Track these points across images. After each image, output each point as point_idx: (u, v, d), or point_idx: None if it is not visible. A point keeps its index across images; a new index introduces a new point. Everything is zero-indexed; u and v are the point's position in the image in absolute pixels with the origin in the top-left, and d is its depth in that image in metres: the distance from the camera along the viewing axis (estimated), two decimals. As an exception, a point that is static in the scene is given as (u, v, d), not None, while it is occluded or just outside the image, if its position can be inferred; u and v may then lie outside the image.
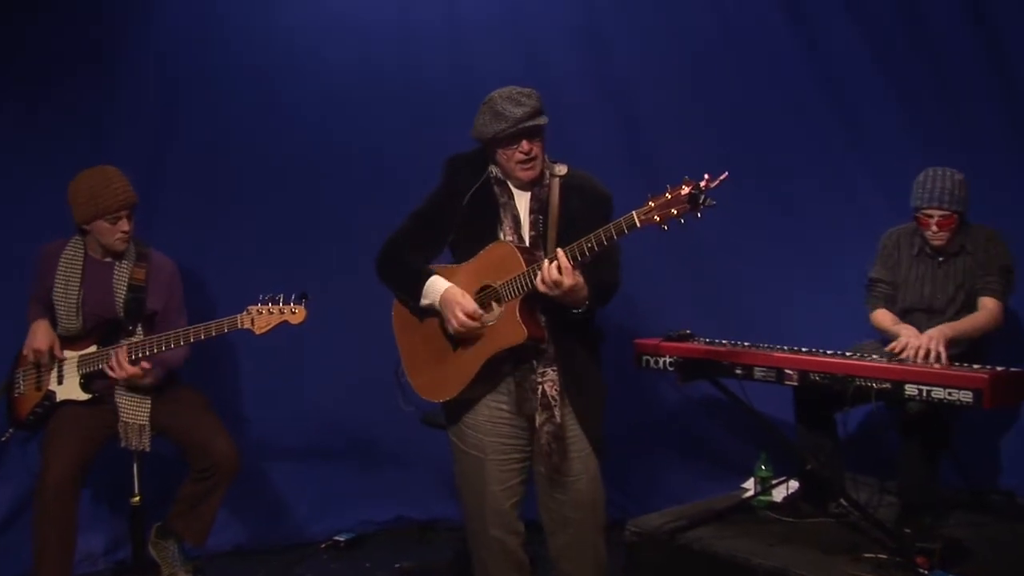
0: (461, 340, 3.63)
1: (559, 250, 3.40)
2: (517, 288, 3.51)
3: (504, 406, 3.69)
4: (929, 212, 4.45)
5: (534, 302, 3.54)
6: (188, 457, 4.42)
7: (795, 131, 5.28)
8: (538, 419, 3.62)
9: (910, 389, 3.89)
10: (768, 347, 4.32)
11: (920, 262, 4.57)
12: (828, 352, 4.20)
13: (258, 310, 4.12)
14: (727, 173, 3.13)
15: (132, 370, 4.16)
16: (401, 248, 3.71)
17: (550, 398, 3.61)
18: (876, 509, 4.38)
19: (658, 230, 3.24)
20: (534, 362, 3.62)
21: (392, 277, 3.73)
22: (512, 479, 3.71)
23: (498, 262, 3.57)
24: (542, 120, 3.58)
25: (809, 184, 5.25)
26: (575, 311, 3.53)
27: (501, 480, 3.69)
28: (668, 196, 3.21)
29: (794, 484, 4.68)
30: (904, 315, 4.56)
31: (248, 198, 5.34)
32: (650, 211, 3.23)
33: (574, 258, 3.39)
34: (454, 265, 3.71)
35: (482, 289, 3.60)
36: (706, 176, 3.14)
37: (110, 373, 4.17)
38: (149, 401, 4.35)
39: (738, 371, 4.24)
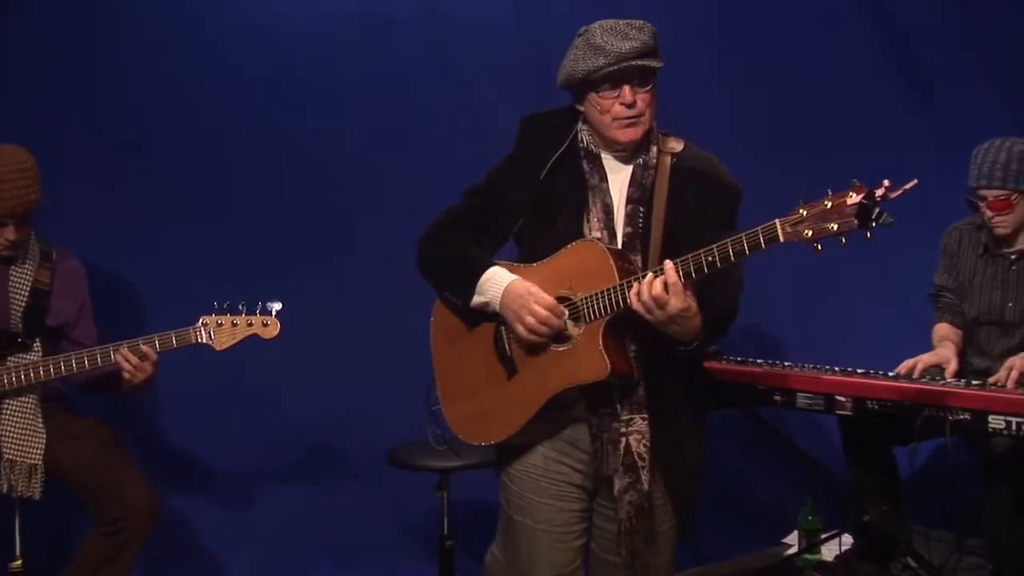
0: (521, 364, 3.22)
1: (668, 263, 2.97)
2: (604, 306, 3.06)
3: (566, 460, 3.25)
4: (982, 193, 4.26)
5: (624, 327, 3.11)
6: (92, 506, 4.12)
7: (848, 105, 5.18)
8: (618, 484, 3.19)
9: (995, 421, 3.66)
10: (814, 368, 4.11)
11: (987, 263, 4.40)
12: (889, 375, 4.01)
13: (217, 322, 3.93)
14: (916, 181, 2.78)
15: (152, 364, 3.94)
16: (450, 233, 3.32)
17: (636, 456, 3.17)
18: (954, 573, 4.35)
19: (805, 249, 2.83)
20: (617, 406, 3.18)
21: (435, 266, 3.32)
22: (569, 562, 3.29)
23: (581, 268, 3.14)
24: (655, 62, 3.12)
25: (865, 169, 4.68)
26: (682, 347, 3.10)
27: (555, 563, 3.27)
28: (828, 204, 2.79)
29: (848, 539, 4.58)
30: (973, 329, 4.43)
31: (188, 185, 5.07)
32: (800, 222, 2.82)
33: (687, 274, 2.96)
34: (519, 264, 3.26)
35: (557, 301, 3.16)
36: (885, 183, 2.73)
37: (130, 374, 3.93)
38: (44, 435, 4.06)
39: (777, 398, 4.06)
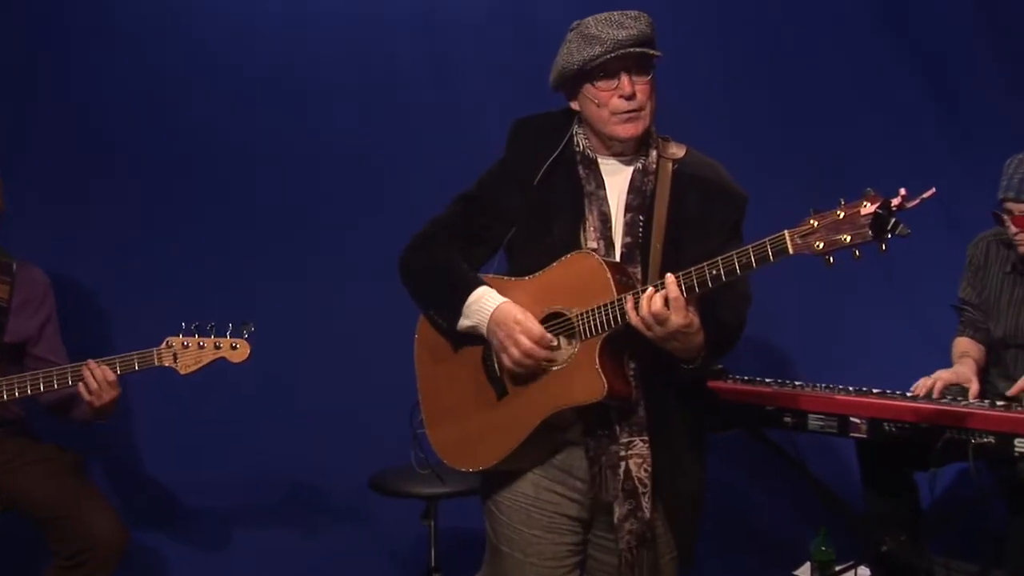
0: (512, 384, 3.18)
1: (669, 276, 2.93)
2: (601, 322, 3.01)
3: (558, 489, 3.21)
4: (1008, 206, 4.16)
5: (622, 344, 3.07)
6: (51, 538, 4.08)
7: (861, 109, 5.07)
8: (617, 511, 3.14)
9: (1021, 445, 3.56)
10: (827, 387, 4.01)
11: (1015, 283, 4.33)
12: (907, 394, 3.93)
13: (183, 343, 3.85)
14: (934, 189, 2.72)
15: (113, 383, 3.87)
16: (436, 244, 3.27)
17: (636, 481, 3.12)
18: (978, 608, 4.24)
19: (816, 262, 2.79)
20: (616, 428, 3.13)
21: (420, 282, 3.28)
22: None
23: (576, 282, 3.09)
24: (654, 51, 3.10)
25: (880, 177, 4.62)
26: (684, 365, 3.07)
27: None
28: (840, 215, 2.73)
29: (864, 571, 4.36)
30: (999, 350, 4.34)
31: (160, 195, 5.04)
32: (811, 233, 2.77)
33: (689, 288, 2.91)
34: (509, 278, 3.24)
35: (550, 317, 3.12)
36: (901, 192, 2.69)
37: (90, 395, 3.86)
38: None
39: (787, 419, 3.95)
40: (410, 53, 5.07)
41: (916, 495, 4.21)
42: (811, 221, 2.76)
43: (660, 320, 2.90)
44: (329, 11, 5.03)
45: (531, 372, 3.11)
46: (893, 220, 2.68)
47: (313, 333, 4.78)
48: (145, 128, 4.97)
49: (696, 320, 2.94)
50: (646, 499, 3.12)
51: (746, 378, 4.16)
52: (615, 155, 3.19)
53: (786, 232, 2.79)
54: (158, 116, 4.97)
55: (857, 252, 2.73)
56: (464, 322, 3.16)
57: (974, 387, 4.04)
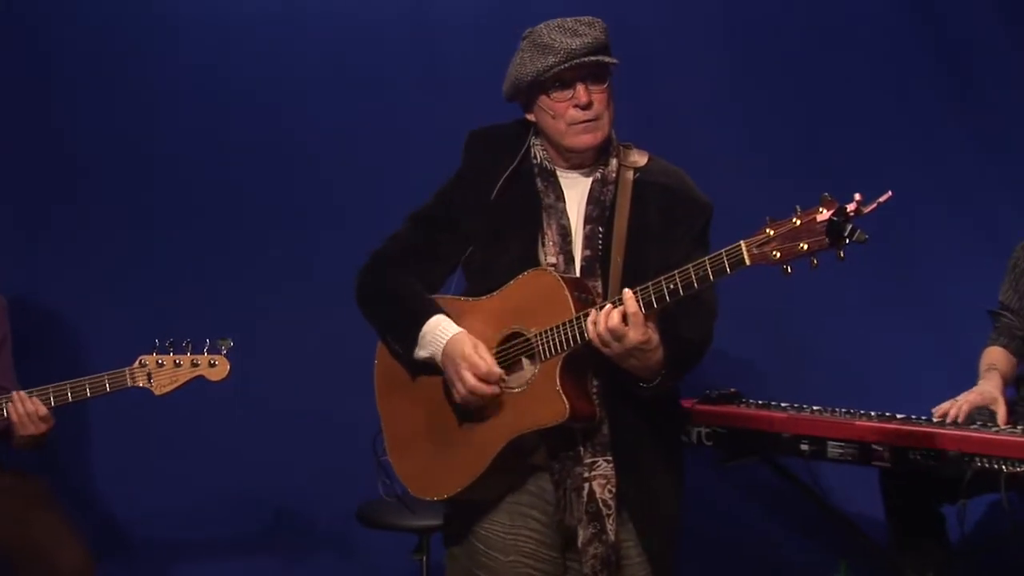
0: (472, 413, 3.23)
1: (627, 291, 2.98)
2: (560, 341, 3.05)
3: (533, 514, 3.24)
4: None
5: (584, 363, 3.11)
6: (16, 570, 4.06)
7: (889, 118, 4.99)
8: (581, 535, 3.17)
9: None
10: (847, 412, 3.95)
11: None
12: (934, 420, 3.84)
13: (157, 361, 3.79)
14: (890, 192, 2.74)
15: (45, 417, 3.80)
16: (392, 266, 3.34)
17: (600, 503, 3.15)
18: (1011, 653, 4.21)
19: (774, 272, 2.83)
20: (580, 449, 3.17)
21: (375, 309, 3.35)
22: None
23: (534, 299, 3.14)
24: (610, 59, 3.16)
25: (910, 186, 4.65)
26: (643, 384, 3.11)
27: None
28: (796, 222, 2.77)
29: None
30: None
31: (127, 206, 4.98)
32: (767, 242, 2.80)
33: (647, 303, 2.95)
34: (468, 299, 3.29)
35: (508, 338, 3.18)
36: (856, 197, 2.72)
37: (21, 420, 3.80)
38: None
39: (804, 446, 3.90)
40: (401, 59, 5.07)
41: (943, 529, 4.13)
42: (767, 230, 2.79)
43: (617, 336, 2.92)
44: (316, 26, 5.02)
45: (484, 401, 3.16)
46: (850, 227, 2.70)
47: (296, 349, 4.76)
48: (111, 144, 4.96)
49: (655, 337, 2.98)
50: (611, 521, 3.14)
51: (760, 402, 4.12)
52: (574, 167, 3.23)
53: (742, 242, 2.82)
54: (123, 130, 4.96)
55: (815, 260, 2.76)
56: (420, 352, 3.21)
57: (1002, 410, 3.94)
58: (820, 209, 2.74)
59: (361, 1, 5.07)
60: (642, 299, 2.94)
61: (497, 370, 3.12)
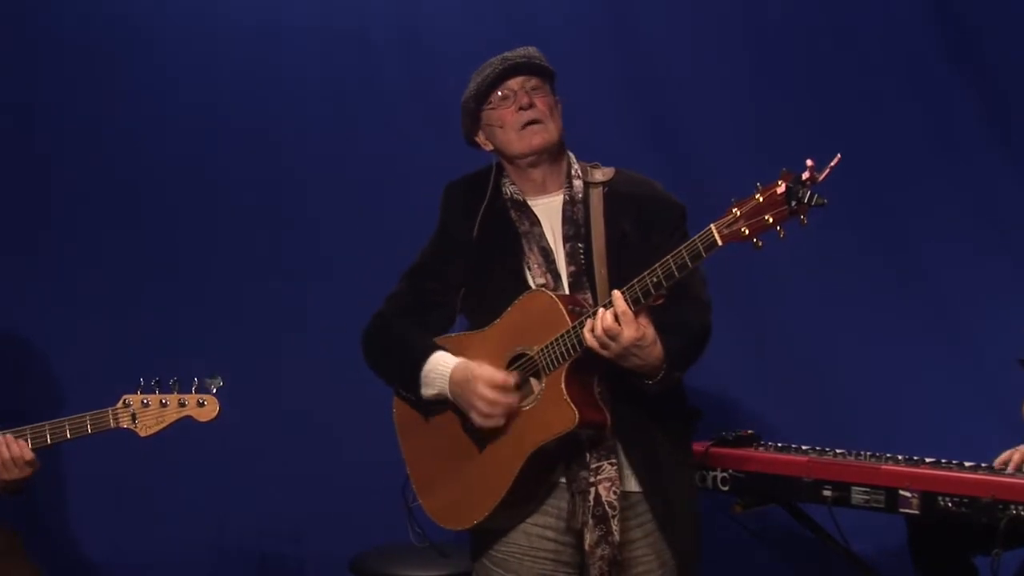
0: (488, 438, 3.41)
1: (615, 292, 3.19)
2: (561, 352, 3.27)
3: (549, 535, 3.42)
4: None
5: (588, 371, 3.31)
6: None
7: (919, 138, 4.97)
8: (588, 537, 3.32)
9: None
10: (873, 456, 3.90)
11: None
12: (966, 464, 3.77)
13: (142, 401, 3.73)
14: (839, 156, 2.96)
15: (31, 462, 3.73)
16: (390, 320, 3.57)
17: (606, 506, 3.31)
18: None
19: (747, 249, 3.04)
20: (586, 454, 3.35)
21: (381, 362, 3.57)
22: None
23: (532, 321, 3.36)
24: (541, 60, 3.48)
25: (940, 214, 4.89)
26: (648, 382, 3.29)
27: None
28: (759, 199, 3.01)
29: None
30: None
31: (110, 238, 4.98)
32: (735, 221, 3.04)
33: (635, 300, 3.15)
34: (470, 333, 3.52)
35: (513, 360, 3.38)
36: (808, 163, 2.96)
37: (4, 465, 3.72)
38: None
39: (827, 492, 3.83)
40: (392, 72, 5.15)
41: (976, 582, 4.08)
42: (733, 210, 3.02)
43: (612, 335, 3.11)
44: (304, 46, 5.07)
45: (506, 420, 3.33)
46: (807, 191, 2.93)
47: (288, 390, 4.76)
48: (93, 174, 4.97)
49: (650, 332, 3.16)
50: (615, 523, 3.29)
51: (780, 444, 4.09)
52: (540, 192, 3.47)
53: (712, 225, 3.03)
54: (106, 160, 4.97)
55: (780, 230, 2.97)
56: (428, 391, 3.40)
57: None
58: (779, 182, 2.96)
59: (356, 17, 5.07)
60: (630, 297, 3.13)
61: (511, 377, 3.29)
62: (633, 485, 3.40)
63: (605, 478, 3.33)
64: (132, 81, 4.96)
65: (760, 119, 5.05)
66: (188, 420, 3.78)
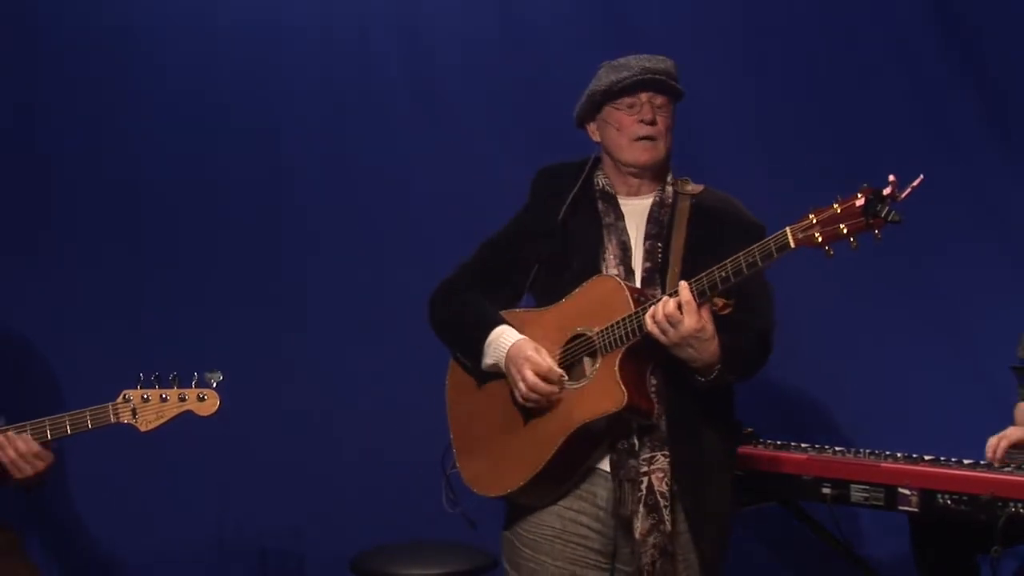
0: (536, 412, 3.48)
1: (682, 282, 3.26)
2: (620, 335, 3.32)
3: (583, 520, 3.45)
4: None
5: (644, 359, 3.37)
6: None
7: (919, 138, 4.94)
8: (638, 526, 3.35)
9: None
10: (872, 454, 3.94)
11: None
12: (965, 462, 3.79)
13: (142, 396, 3.71)
14: (922, 177, 3.04)
15: (40, 454, 3.70)
16: (462, 288, 3.65)
17: (659, 495, 3.35)
18: None
19: (819, 256, 3.10)
20: (636, 443, 3.39)
21: (447, 326, 3.65)
22: None
23: (597, 303, 3.42)
24: (676, 80, 3.53)
25: (940, 214, 4.76)
26: (701, 378, 3.33)
27: None
28: (837, 209, 3.07)
29: None
30: None
31: (108, 233, 4.95)
32: (810, 227, 3.10)
33: (701, 292, 3.23)
34: (536, 309, 3.60)
35: (572, 340, 3.45)
36: (891, 179, 3.01)
37: (14, 463, 3.71)
38: None
39: (826, 490, 3.88)
40: (392, 72, 5.12)
41: (977, 579, 4.07)
42: (810, 216, 3.07)
43: (673, 322, 3.16)
44: (302, 50, 5.06)
45: (545, 400, 3.39)
46: (885, 208, 2.97)
47: (288, 390, 4.75)
48: (92, 172, 4.95)
49: (710, 327, 3.19)
50: (667, 512, 3.33)
51: (779, 443, 4.10)
52: (632, 194, 3.53)
53: (787, 228, 3.09)
54: (105, 158, 4.95)
55: (853, 240, 3.02)
56: (486, 360, 3.48)
57: None
58: (858, 195, 3.00)
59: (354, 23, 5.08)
60: (696, 288, 3.18)
61: (557, 370, 3.36)
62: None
63: (658, 468, 3.37)
64: (132, 81, 4.93)
65: (760, 119, 5.06)
66: (188, 415, 3.78)
